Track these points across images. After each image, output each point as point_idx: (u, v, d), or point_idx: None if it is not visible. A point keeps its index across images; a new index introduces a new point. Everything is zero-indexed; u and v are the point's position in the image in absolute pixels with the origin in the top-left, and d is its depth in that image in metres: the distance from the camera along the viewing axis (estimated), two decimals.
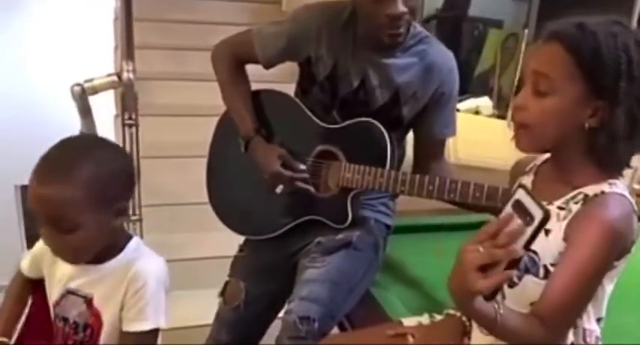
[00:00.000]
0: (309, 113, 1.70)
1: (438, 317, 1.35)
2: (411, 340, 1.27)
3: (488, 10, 5.45)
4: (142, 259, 1.22)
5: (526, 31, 4.54)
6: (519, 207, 0.89)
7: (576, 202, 1.07)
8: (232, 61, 1.78)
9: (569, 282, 1.02)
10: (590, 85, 1.03)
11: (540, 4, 4.80)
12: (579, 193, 1.07)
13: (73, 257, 1.20)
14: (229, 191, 1.82)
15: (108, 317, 1.22)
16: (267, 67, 1.77)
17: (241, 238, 1.84)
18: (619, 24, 1.06)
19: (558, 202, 1.09)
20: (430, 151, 1.71)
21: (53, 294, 1.28)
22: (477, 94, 4.77)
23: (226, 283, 1.78)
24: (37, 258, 1.32)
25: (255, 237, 1.78)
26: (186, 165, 2.94)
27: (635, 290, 1.64)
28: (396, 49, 1.62)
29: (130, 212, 2.54)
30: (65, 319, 1.27)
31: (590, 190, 1.06)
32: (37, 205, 1.13)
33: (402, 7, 1.48)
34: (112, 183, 1.16)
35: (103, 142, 1.26)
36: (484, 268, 0.86)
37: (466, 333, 1.25)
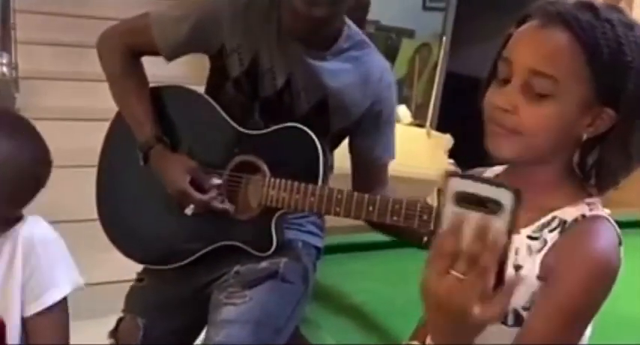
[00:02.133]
0: (225, 116, 1.45)
1: None
2: None
3: (400, 20, 5.47)
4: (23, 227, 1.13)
5: (444, 38, 4.54)
6: (467, 199, 0.66)
7: (551, 230, 0.86)
8: (125, 53, 1.50)
9: (549, 332, 0.82)
10: (598, 88, 0.83)
11: (456, 13, 4.83)
12: (554, 217, 0.87)
13: None
14: (125, 211, 1.54)
15: (11, 315, 1.10)
16: (169, 58, 1.49)
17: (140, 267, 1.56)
18: (621, 11, 0.87)
19: (527, 230, 0.88)
20: (372, 175, 1.55)
21: None
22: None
23: (120, 320, 1.52)
24: None
25: (159, 266, 1.51)
26: (77, 175, 2.64)
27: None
28: (327, 51, 1.43)
29: None
30: None
31: (568, 214, 0.86)
32: None
33: None
34: (14, 181, 1.12)
35: None
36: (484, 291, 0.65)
37: None
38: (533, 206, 0.86)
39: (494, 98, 0.86)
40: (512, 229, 0.65)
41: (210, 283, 1.45)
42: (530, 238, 0.87)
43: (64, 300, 1.15)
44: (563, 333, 0.83)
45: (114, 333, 1.51)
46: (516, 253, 0.87)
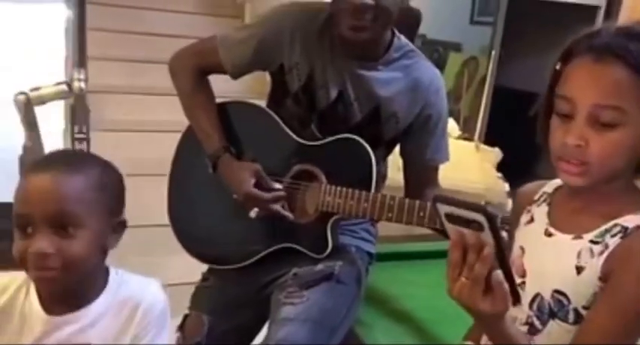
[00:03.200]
0: (285, 128, 1.54)
1: None
2: None
3: (447, 34, 5.47)
4: (141, 289, 1.12)
5: (493, 52, 4.54)
6: (456, 219, 0.83)
7: (613, 235, 0.92)
8: (194, 71, 1.60)
9: (610, 328, 0.88)
10: None
11: (505, 27, 4.83)
12: (615, 224, 0.93)
13: (66, 275, 1.01)
14: (194, 214, 1.64)
15: None
16: (234, 77, 1.60)
17: (205, 266, 1.65)
18: None
19: (590, 236, 0.94)
20: (423, 177, 1.58)
21: None
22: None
23: (186, 316, 1.59)
24: None
25: (223, 266, 1.60)
26: (144, 184, 2.77)
27: None
28: (378, 62, 1.50)
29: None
30: None
31: (629, 221, 0.92)
32: (43, 199, 1.00)
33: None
34: (116, 194, 1.10)
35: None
36: (485, 291, 0.83)
37: None
38: (595, 214, 0.94)
39: (563, 136, 0.91)
40: (498, 239, 0.80)
41: (270, 283, 1.52)
42: (592, 242, 0.93)
43: None
44: (620, 331, 0.89)
45: (181, 328, 1.58)
46: (578, 256, 0.93)
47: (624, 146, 0.90)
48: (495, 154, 3.81)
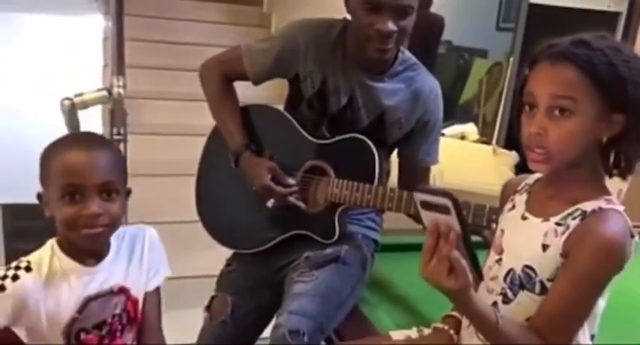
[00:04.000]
0: (300, 128, 1.72)
1: (426, 331, 1.35)
2: None
3: (473, 40, 5.55)
4: (139, 229, 1.39)
5: (511, 59, 4.63)
6: (428, 205, 0.99)
7: (574, 218, 1.08)
8: (221, 78, 1.79)
9: (569, 296, 1.04)
10: (607, 101, 1.04)
11: (525, 33, 4.91)
12: (577, 209, 1.08)
13: (109, 230, 1.26)
14: (219, 205, 1.83)
15: (141, 295, 1.36)
16: (256, 83, 1.78)
17: (228, 255, 1.83)
18: (607, 38, 1.08)
19: (556, 218, 1.10)
20: (414, 176, 1.71)
21: (61, 317, 1.26)
22: (461, 121, 4.83)
23: (212, 298, 1.76)
24: (21, 300, 1.22)
25: (244, 250, 1.78)
26: (174, 183, 2.94)
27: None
28: (384, 74, 1.65)
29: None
30: (99, 326, 1.30)
31: (588, 206, 1.07)
32: (93, 171, 1.21)
33: (392, 26, 1.51)
34: (125, 166, 1.34)
35: None
36: (450, 270, 0.97)
37: None
38: (562, 200, 1.11)
39: (527, 127, 1.08)
40: (463, 222, 0.96)
41: (286, 266, 1.69)
42: (557, 224, 1.09)
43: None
44: (579, 298, 1.05)
45: (208, 308, 1.75)
46: (545, 235, 1.10)
47: (577, 134, 1.05)
48: (512, 156, 3.91)
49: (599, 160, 1.11)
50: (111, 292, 1.30)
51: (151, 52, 3.87)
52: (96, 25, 4.33)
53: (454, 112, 5.10)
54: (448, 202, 0.96)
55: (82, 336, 1.28)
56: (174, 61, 3.78)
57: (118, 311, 1.32)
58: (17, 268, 1.23)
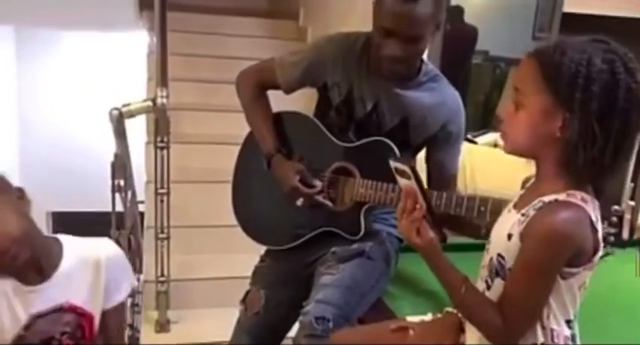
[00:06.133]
0: (327, 133, 1.83)
1: (439, 315, 1.45)
2: (411, 332, 1.37)
3: (509, 50, 5.57)
4: (98, 246, 1.39)
5: None
6: (399, 172, 1.19)
7: (535, 209, 1.13)
8: (256, 87, 1.92)
9: (518, 281, 1.14)
10: (555, 98, 1.10)
11: None
12: (539, 201, 1.14)
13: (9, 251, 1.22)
14: (252, 204, 1.96)
15: (99, 310, 1.35)
16: (287, 92, 1.91)
17: (263, 252, 1.96)
18: (601, 43, 1.12)
19: (523, 210, 1.17)
20: (443, 182, 1.79)
21: (4, 335, 1.31)
22: (497, 129, 4.85)
23: (247, 292, 1.89)
24: None
25: (276, 247, 1.90)
26: (212, 190, 3.08)
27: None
28: (409, 83, 1.75)
29: (159, 230, 2.69)
30: (47, 342, 1.33)
31: (548, 198, 1.13)
32: None
33: (399, 52, 1.62)
34: None
35: None
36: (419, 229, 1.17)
37: (462, 329, 1.35)
38: (532, 194, 1.18)
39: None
40: (421, 187, 1.16)
41: (315, 260, 1.80)
42: (522, 215, 1.16)
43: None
44: (528, 282, 1.13)
45: (243, 301, 1.89)
46: (512, 226, 1.17)
47: (524, 124, 1.13)
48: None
49: (563, 156, 1.12)
50: (60, 310, 1.32)
51: (192, 65, 4.04)
52: (141, 40, 4.54)
53: (490, 121, 5.13)
54: (407, 169, 1.16)
55: None
56: (214, 74, 3.92)
57: (68, 329, 1.33)
58: None
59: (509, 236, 1.17)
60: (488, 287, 1.23)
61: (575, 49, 1.09)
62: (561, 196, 1.12)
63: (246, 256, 2.06)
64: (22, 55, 5.54)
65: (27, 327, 1.31)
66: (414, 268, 2.02)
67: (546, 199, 1.13)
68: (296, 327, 1.69)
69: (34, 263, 1.29)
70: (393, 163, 1.20)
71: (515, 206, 1.23)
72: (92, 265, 1.35)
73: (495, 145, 4.62)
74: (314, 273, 1.78)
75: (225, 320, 2.02)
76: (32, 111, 5.59)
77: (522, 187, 1.36)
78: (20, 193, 1.32)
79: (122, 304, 1.43)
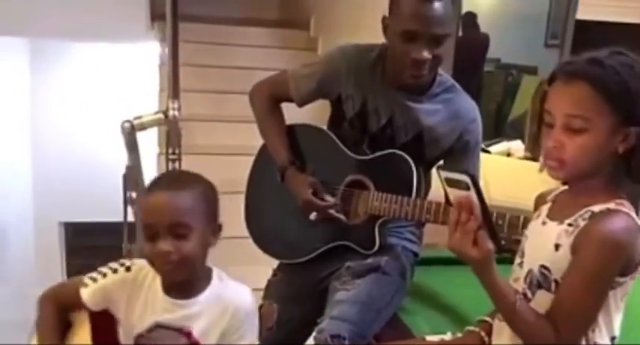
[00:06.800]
0: (341, 146, 1.81)
1: (460, 335, 1.41)
2: None
3: (521, 57, 5.55)
4: (237, 293, 1.40)
5: None
6: (451, 182, 1.13)
7: (584, 219, 1.15)
8: (269, 99, 1.91)
9: (575, 290, 1.12)
10: (619, 116, 1.12)
11: (572, 50, 4.88)
12: (587, 210, 1.16)
13: (182, 268, 1.30)
14: (265, 217, 1.94)
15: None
16: (300, 105, 1.89)
17: (275, 265, 1.94)
18: (622, 53, 1.15)
19: (569, 220, 1.17)
20: None
21: (137, 325, 1.37)
22: (510, 138, 4.83)
23: (260, 306, 1.86)
24: (113, 289, 1.39)
25: (289, 260, 1.88)
26: (223, 201, 3.06)
27: None
28: (423, 95, 1.73)
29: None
30: None
31: (597, 207, 1.15)
32: (164, 212, 1.28)
33: (426, 54, 1.60)
34: (214, 204, 1.39)
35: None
36: (474, 242, 1.11)
37: None
38: (577, 205, 1.19)
39: (546, 141, 1.17)
40: (482, 198, 1.09)
41: (329, 275, 1.78)
42: (569, 225, 1.17)
43: None
44: (584, 291, 1.13)
45: None
46: (558, 236, 1.17)
47: (591, 148, 1.13)
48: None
49: (616, 169, 1.17)
50: (181, 331, 1.35)
51: (205, 76, 4.03)
52: (152, 51, 4.55)
53: (503, 130, 5.10)
54: (467, 179, 1.09)
55: None
56: (226, 85, 3.92)
57: None
58: (122, 264, 1.39)
59: (557, 247, 1.17)
60: (527, 301, 1.21)
61: (621, 64, 1.12)
62: (611, 205, 1.14)
63: (257, 268, 2.02)
64: (36, 66, 5.58)
65: (149, 330, 1.36)
66: (428, 283, 2.00)
67: (596, 208, 1.15)
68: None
69: (188, 282, 1.35)
70: (443, 174, 1.14)
71: (550, 218, 1.23)
72: (224, 306, 1.37)
73: (508, 155, 4.59)
74: (327, 288, 1.76)
75: None
76: (44, 122, 5.62)
77: (538, 202, 1.35)
78: (219, 228, 1.40)
79: None
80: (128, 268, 1.40)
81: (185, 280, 1.34)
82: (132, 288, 1.38)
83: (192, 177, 1.40)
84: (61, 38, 5.10)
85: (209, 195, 1.38)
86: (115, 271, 1.40)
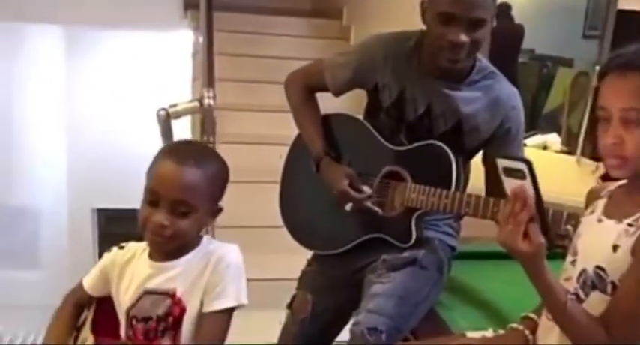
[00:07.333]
0: (378, 135, 1.78)
1: (502, 332, 1.38)
2: None
3: (557, 49, 5.44)
4: (222, 247, 1.37)
5: (597, 67, 4.49)
6: (509, 172, 1.08)
7: None
8: (304, 89, 1.89)
9: (633, 294, 1.07)
10: None
11: (612, 41, 4.76)
12: None
13: (172, 242, 1.30)
14: (300, 208, 1.92)
15: (192, 305, 1.33)
16: (336, 94, 1.86)
17: (309, 255, 1.92)
18: None
19: (628, 220, 1.12)
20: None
21: (125, 299, 1.37)
22: (545, 131, 4.74)
23: (294, 296, 1.86)
24: (107, 269, 1.41)
25: (323, 252, 1.86)
26: (257, 190, 3.08)
27: None
28: (461, 83, 1.68)
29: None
30: (146, 319, 1.35)
31: None
32: (171, 186, 1.27)
33: (463, 38, 1.55)
34: (222, 187, 1.37)
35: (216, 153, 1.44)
36: (524, 235, 1.06)
37: None
38: (637, 204, 1.13)
39: (604, 138, 1.12)
40: (537, 186, 1.04)
41: (364, 268, 1.74)
42: (629, 225, 1.12)
43: (229, 310, 1.33)
44: None
45: (290, 305, 1.86)
46: (617, 236, 1.12)
47: None
48: (597, 167, 3.81)
49: None
50: (167, 294, 1.33)
51: (238, 65, 4.05)
52: (185, 40, 4.56)
53: (537, 123, 5.01)
54: (523, 166, 1.04)
55: (134, 323, 1.36)
56: (260, 74, 3.93)
57: (161, 313, 1.34)
58: (117, 244, 1.43)
59: (615, 247, 1.12)
60: (578, 301, 1.17)
61: None
62: None
63: (292, 257, 2.01)
64: (71, 54, 5.64)
65: (137, 299, 1.35)
66: (465, 277, 1.96)
67: None
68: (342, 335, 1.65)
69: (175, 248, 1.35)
70: (502, 162, 1.09)
71: (607, 216, 1.18)
72: (206, 261, 1.34)
73: (544, 148, 4.50)
74: (362, 280, 1.73)
75: (268, 323, 1.98)
76: (79, 109, 5.68)
77: (591, 197, 1.30)
78: (218, 211, 1.39)
79: (221, 314, 1.32)
80: (122, 247, 1.42)
81: (172, 250, 1.34)
82: (121, 263, 1.39)
83: (209, 155, 1.39)
84: (95, 26, 5.14)
85: (220, 176, 1.36)
86: (110, 251, 1.43)
